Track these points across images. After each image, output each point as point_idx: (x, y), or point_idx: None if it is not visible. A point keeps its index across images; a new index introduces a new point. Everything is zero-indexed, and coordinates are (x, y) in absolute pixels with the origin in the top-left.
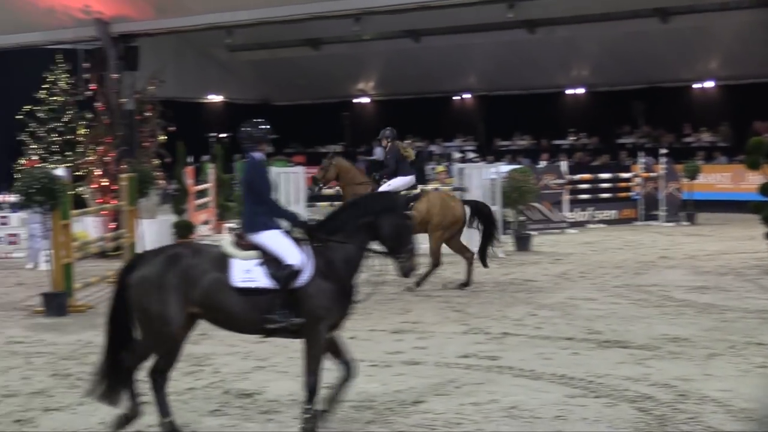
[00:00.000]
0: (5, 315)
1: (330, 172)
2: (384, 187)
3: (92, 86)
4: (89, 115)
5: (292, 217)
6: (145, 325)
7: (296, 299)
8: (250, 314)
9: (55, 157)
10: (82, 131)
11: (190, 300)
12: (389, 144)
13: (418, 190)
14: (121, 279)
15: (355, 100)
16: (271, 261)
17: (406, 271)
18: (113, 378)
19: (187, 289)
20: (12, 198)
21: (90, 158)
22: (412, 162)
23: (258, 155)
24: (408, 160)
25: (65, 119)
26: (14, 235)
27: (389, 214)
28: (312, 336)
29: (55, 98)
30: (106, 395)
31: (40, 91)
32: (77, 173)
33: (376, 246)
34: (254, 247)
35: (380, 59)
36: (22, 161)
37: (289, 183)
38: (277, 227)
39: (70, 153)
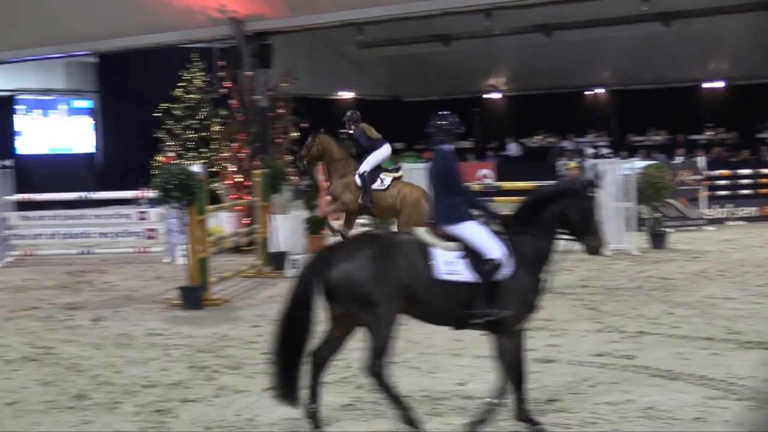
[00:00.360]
0: (144, 308)
1: (314, 149)
2: (364, 164)
3: (227, 84)
4: (224, 113)
5: (487, 209)
6: (367, 317)
7: (496, 293)
8: (452, 307)
9: (191, 154)
10: (217, 128)
11: (400, 291)
12: (354, 126)
13: (399, 173)
14: (311, 274)
15: (485, 96)
16: (471, 253)
17: (594, 251)
18: (290, 376)
19: (398, 280)
20: (150, 194)
21: (224, 155)
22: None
23: (447, 147)
24: (375, 138)
25: (200, 116)
26: (152, 230)
27: (574, 199)
28: (506, 330)
29: (190, 96)
30: (286, 395)
31: (177, 90)
32: (212, 169)
33: (563, 234)
34: (452, 238)
35: (511, 54)
36: (159, 158)
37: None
38: (474, 218)
39: (204, 150)
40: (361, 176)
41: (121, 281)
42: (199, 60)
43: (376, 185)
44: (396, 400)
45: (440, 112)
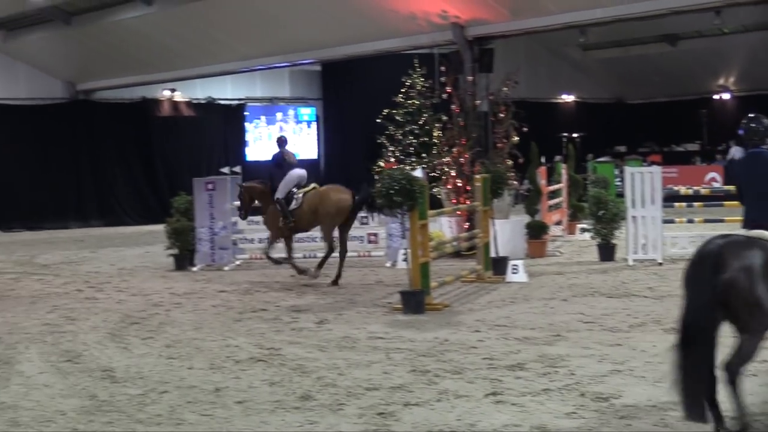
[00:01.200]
0: (366, 311)
1: (245, 199)
2: (277, 192)
3: (447, 89)
4: (444, 118)
5: None
6: (759, 321)
7: None
8: None
9: (412, 159)
10: (437, 133)
11: None
12: (280, 149)
13: (311, 187)
14: (704, 279)
15: (714, 96)
16: None
17: None
18: (698, 392)
19: None
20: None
21: (445, 159)
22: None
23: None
24: (291, 163)
25: (421, 122)
26: (374, 234)
27: None
28: None
29: (411, 101)
30: (695, 412)
31: (398, 95)
32: (432, 174)
33: None
34: None
35: (742, 52)
36: (380, 163)
37: (644, 183)
38: None
39: (425, 154)
40: (278, 201)
41: (344, 284)
42: (419, 65)
43: (293, 205)
44: (740, 406)
45: (751, 114)
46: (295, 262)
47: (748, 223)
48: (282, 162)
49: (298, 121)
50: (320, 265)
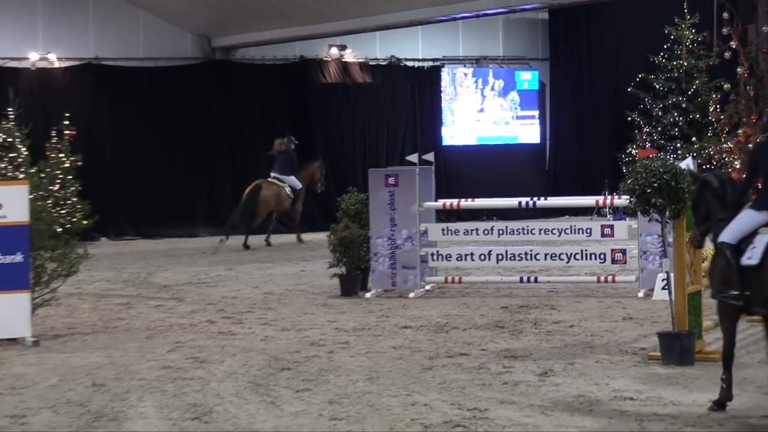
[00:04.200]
0: (609, 360)
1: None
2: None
3: (732, 44)
4: (726, 85)
5: None
6: None
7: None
8: None
9: (677, 144)
10: (715, 108)
11: None
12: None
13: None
14: None
15: None
16: None
17: None
18: None
19: None
20: (619, 200)
21: (727, 146)
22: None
23: None
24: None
25: (691, 91)
26: (621, 251)
27: None
28: None
29: (677, 63)
30: None
31: (659, 55)
32: (708, 167)
33: None
34: None
35: None
36: (632, 150)
37: None
38: None
39: (696, 138)
40: None
41: (577, 321)
42: (690, 11)
43: None
44: None
45: None
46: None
47: None
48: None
49: (512, 89)
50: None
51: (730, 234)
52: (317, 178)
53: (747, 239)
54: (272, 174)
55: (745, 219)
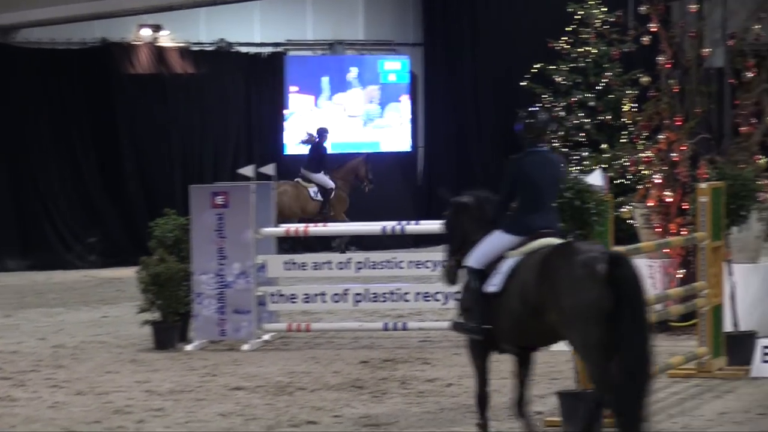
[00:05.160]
0: (497, 428)
1: None
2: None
3: (651, 27)
4: (644, 78)
5: None
6: None
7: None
8: None
9: (583, 153)
10: (630, 107)
11: None
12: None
13: None
14: None
15: None
16: None
17: None
18: None
19: None
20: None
21: (644, 154)
22: None
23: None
24: None
25: (600, 85)
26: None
27: None
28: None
29: (583, 50)
30: None
31: (560, 40)
32: (621, 181)
33: None
34: None
35: None
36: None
37: None
38: None
39: (606, 144)
40: None
41: (455, 379)
42: None
43: None
44: None
45: (529, 109)
46: None
47: (530, 231)
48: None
49: (374, 83)
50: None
51: (475, 258)
52: (362, 174)
53: (493, 264)
54: (301, 170)
55: (493, 242)
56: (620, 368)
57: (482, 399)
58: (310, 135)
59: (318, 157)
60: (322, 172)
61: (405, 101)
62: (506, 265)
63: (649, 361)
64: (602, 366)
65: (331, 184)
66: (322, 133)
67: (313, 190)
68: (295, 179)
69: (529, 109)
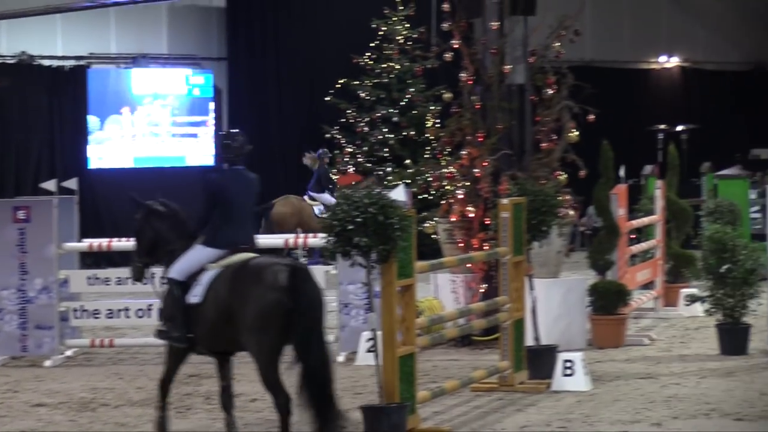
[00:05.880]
0: None
1: None
2: None
3: (454, 44)
4: (446, 95)
5: None
6: None
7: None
8: None
9: (387, 168)
10: (433, 123)
11: None
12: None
13: None
14: None
15: None
16: None
17: None
18: None
19: None
20: (314, 239)
21: (447, 169)
22: None
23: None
24: None
25: (404, 101)
26: None
27: None
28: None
29: (387, 65)
30: None
31: (364, 55)
32: (424, 196)
33: None
34: None
35: None
36: (331, 176)
37: None
38: None
39: (410, 160)
40: None
41: (260, 394)
42: (404, 2)
43: None
44: None
45: (231, 130)
46: None
47: (230, 245)
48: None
49: (186, 97)
50: None
51: (177, 270)
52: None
53: (194, 276)
54: (308, 192)
55: (194, 255)
56: (302, 374)
57: (165, 387)
58: (320, 154)
59: (319, 177)
60: (326, 191)
61: (210, 115)
62: (206, 277)
63: (327, 366)
64: (274, 371)
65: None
66: (324, 154)
67: (318, 208)
68: (302, 195)
69: (230, 130)
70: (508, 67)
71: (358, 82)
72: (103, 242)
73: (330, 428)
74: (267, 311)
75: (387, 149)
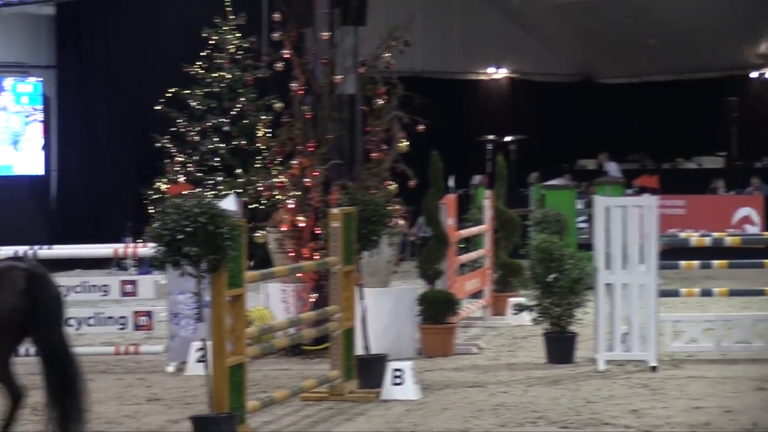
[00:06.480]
0: None
1: None
2: None
3: (285, 53)
4: (277, 104)
5: None
6: None
7: None
8: None
9: (217, 178)
10: (264, 132)
11: None
12: None
13: None
14: None
15: (752, 74)
16: None
17: None
18: None
19: None
20: (144, 249)
21: (278, 179)
22: None
23: None
24: None
25: (235, 110)
26: (146, 314)
27: None
28: None
29: (218, 75)
30: None
31: (195, 64)
32: (255, 206)
33: None
34: None
35: None
36: (161, 185)
37: (629, 225)
38: None
39: (241, 170)
40: None
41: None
42: (234, 10)
43: None
44: None
45: None
46: None
47: None
48: None
49: (14, 105)
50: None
51: None
52: None
53: None
54: None
55: None
56: (45, 378)
57: None
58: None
59: None
60: None
61: (38, 124)
62: None
63: (71, 367)
64: (8, 374)
65: None
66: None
67: None
68: None
69: None
70: (339, 77)
71: (188, 92)
72: None
73: (75, 426)
74: (3, 315)
75: (218, 158)
